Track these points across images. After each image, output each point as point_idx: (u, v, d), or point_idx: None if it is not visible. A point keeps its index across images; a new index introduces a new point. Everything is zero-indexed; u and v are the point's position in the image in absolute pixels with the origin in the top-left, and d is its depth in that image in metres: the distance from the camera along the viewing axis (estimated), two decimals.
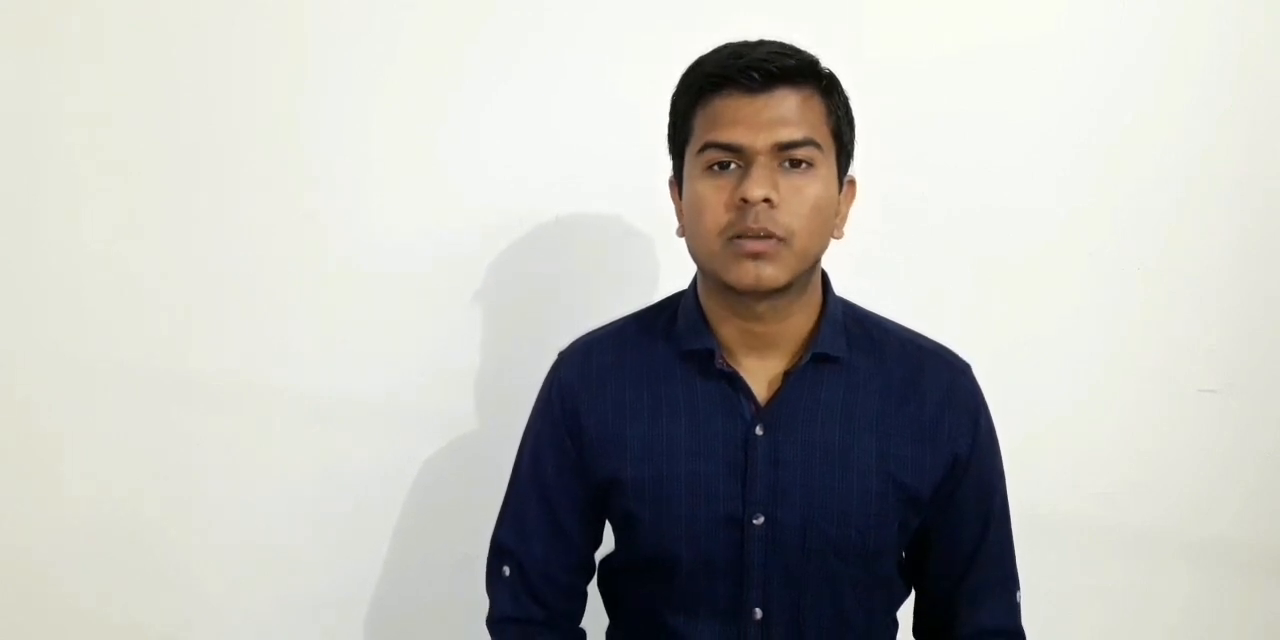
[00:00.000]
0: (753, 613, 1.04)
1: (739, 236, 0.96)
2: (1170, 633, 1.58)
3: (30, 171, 1.49)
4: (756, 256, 0.96)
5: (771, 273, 0.96)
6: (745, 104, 0.97)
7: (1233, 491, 1.56)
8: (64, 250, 1.50)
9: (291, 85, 1.48)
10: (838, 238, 1.04)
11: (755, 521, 1.03)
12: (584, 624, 1.19)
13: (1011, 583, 1.13)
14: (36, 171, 1.49)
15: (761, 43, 1.00)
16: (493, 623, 1.16)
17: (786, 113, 0.96)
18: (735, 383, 1.04)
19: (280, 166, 1.49)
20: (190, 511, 1.55)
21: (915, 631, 1.18)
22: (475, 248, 1.49)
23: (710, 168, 0.98)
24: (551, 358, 1.15)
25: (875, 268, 1.45)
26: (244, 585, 1.56)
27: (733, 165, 0.97)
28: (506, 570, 1.15)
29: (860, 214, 1.10)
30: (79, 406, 1.52)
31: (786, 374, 1.05)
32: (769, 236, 0.95)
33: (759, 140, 0.96)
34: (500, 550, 1.16)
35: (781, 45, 1.00)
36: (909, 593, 1.17)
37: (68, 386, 1.52)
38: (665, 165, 1.08)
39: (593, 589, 1.19)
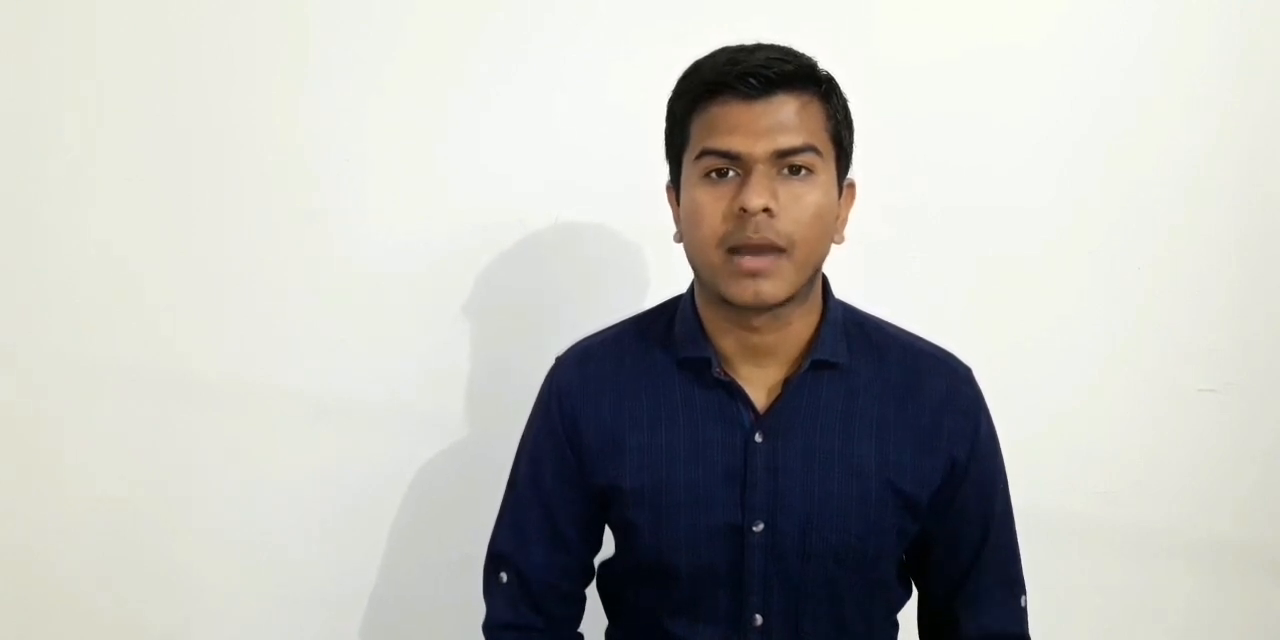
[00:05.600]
0: (753, 619, 1.04)
1: (738, 251, 0.95)
2: (1170, 633, 1.58)
3: (30, 171, 1.49)
4: (755, 274, 0.95)
5: (771, 289, 0.96)
6: (743, 111, 0.95)
7: (1233, 491, 1.56)
8: (64, 250, 1.50)
9: (291, 86, 1.48)
10: (838, 242, 1.03)
11: (755, 529, 1.02)
12: (583, 625, 1.19)
13: (1017, 587, 1.13)
14: (37, 171, 1.49)
15: (759, 47, 0.99)
16: (489, 629, 1.15)
17: (785, 119, 0.95)
18: (733, 391, 1.04)
19: (280, 167, 1.49)
20: (190, 511, 1.55)
21: (920, 634, 1.18)
22: (474, 250, 1.49)
23: (708, 175, 0.97)
24: (549, 360, 1.15)
25: (875, 268, 1.45)
26: (244, 585, 1.56)
27: (731, 173, 0.96)
28: (504, 576, 1.14)
29: (861, 215, 1.09)
30: (79, 406, 1.53)
31: (786, 381, 1.04)
32: (770, 251, 0.95)
33: (757, 147, 0.95)
34: (498, 557, 1.16)
35: (779, 50, 0.99)
36: (909, 596, 1.16)
37: (68, 386, 1.52)
38: (665, 168, 1.07)
39: (592, 591, 1.19)
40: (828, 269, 1.07)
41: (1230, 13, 1.48)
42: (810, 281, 1.01)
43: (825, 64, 1.01)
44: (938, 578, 1.13)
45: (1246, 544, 1.56)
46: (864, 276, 1.32)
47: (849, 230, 1.06)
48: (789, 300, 0.98)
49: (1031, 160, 1.50)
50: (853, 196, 1.07)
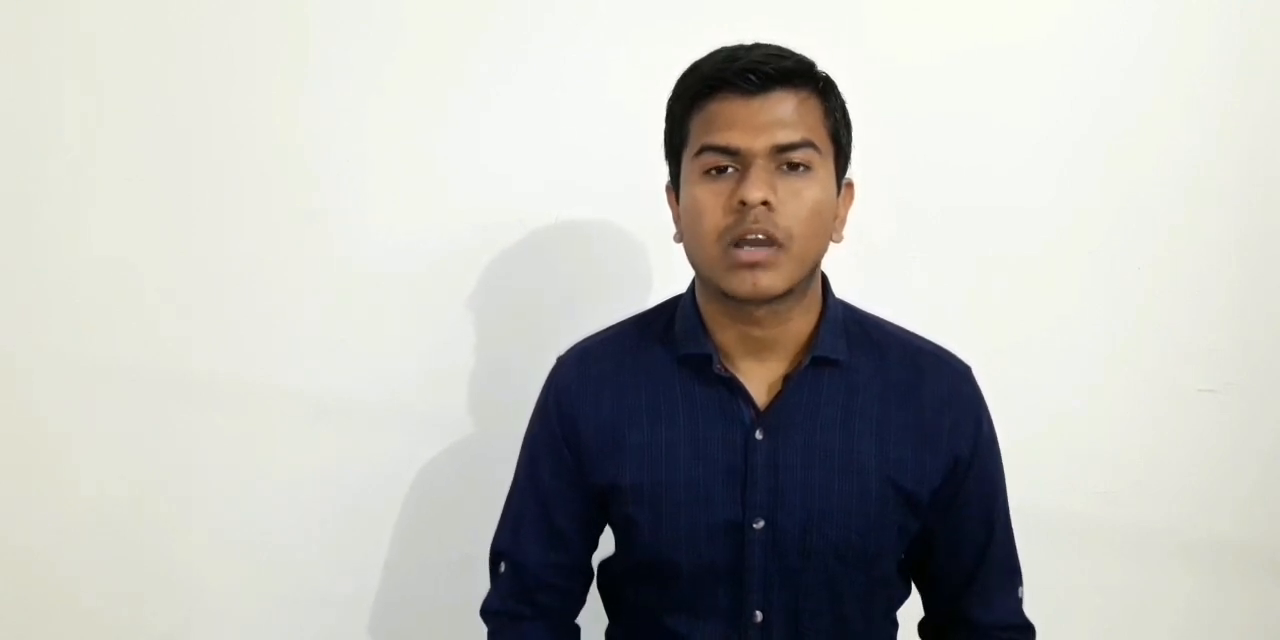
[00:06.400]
0: (753, 615, 1.04)
1: (737, 244, 0.95)
2: (1170, 633, 1.58)
3: (31, 172, 1.49)
4: (754, 265, 0.95)
5: (769, 281, 0.96)
6: (741, 106, 0.96)
7: (1233, 491, 1.56)
8: (64, 250, 1.50)
9: (292, 86, 1.48)
10: (836, 241, 1.04)
11: (755, 526, 1.03)
12: (584, 625, 1.19)
13: (1016, 578, 1.14)
14: (37, 172, 1.49)
15: (757, 45, 1.00)
16: (483, 613, 1.17)
17: (783, 115, 0.96)
18: (734, 387, 1.04)
19: (280, 167, 1.49)
20: (190, 511, 1.55)
21: (920, 630, 1.19)
22: (474, 250, 1.49)
23: (707, 172, 0.98)
24: (550, 360, 1.15)
25: (875, 268, 1.45)
26: (244, 585, 1.56)
27: (730, 169, 0.97)
28: (504, 568, 1.16)
29: (860, 215, 1.10)
30: (80, 407, 1.53)
31: (786, 378, 1.04)
32: (768, 243, 0.95)
33: (756, 143, 0.95)
34: (497, 553, 1.17)
35: (778, 48, 1.00)
36: (909, 594, 1.17)
37: (69, 386, 1.52)
38: (665, 168, 1.07)
39: (592, 590, 1.19)
40: (828, 269, 1.08)
41: (1230, 13, 1.48)
42: (809, 277, 1.01)
43: (825, 64, 1.01)
44: (941, 576, 1.13)
45: (1246, 544, 1.56)
46: (864, 276, 1.33)
47: (849, 230, 1.06)
48: (787, 294, 0.99)
49: (1031, 160, 1.50)
50: (851, 196, 1.07)
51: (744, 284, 0.96)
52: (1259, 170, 1.51)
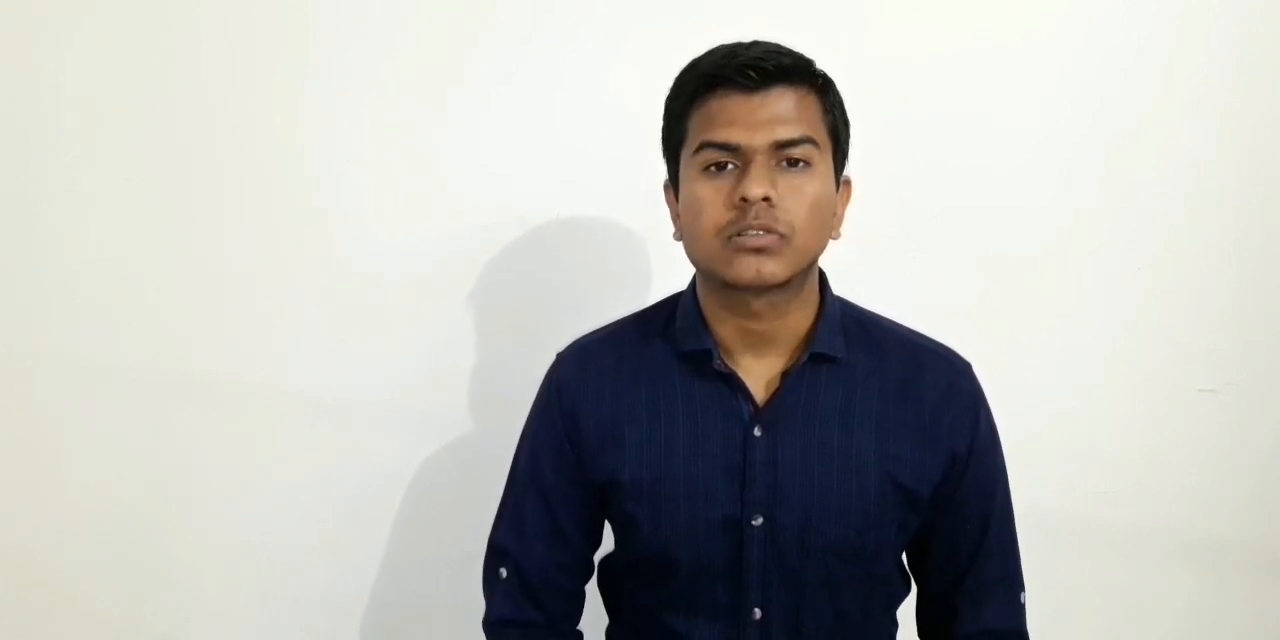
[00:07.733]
0: (752, 613, 1.04)
1: (739, 234, 0.96)
2: (1170, 633, 1.58)
3: (31, 171, 1.49)
4: (758, 251, 0.95)
5: (772, 268, 0.96)
6: (741, 103, 0.96)
7: (1233, 491, 1.56)
8: (64, 250, 1.50)
9: (291, 86, 1.48)
10: (835, 238, 1.04)
11: (754, 522, 1.03)
12: (583, 624, 1.19)
13: (1015, 583, 1.13)
14: (37, 171, 1.49)
15: (756, 43, 1.00)
16: (489, 625, 1.15)
17: (783, 111, 0.96)
18: (733, 383, 1.04)
19: (280, 167, 1.49)
20: (190, 511, 1.55)
21: (919, 630, 1.18)
22: (474, 249, 1.49)
23: (707, 168, 0.98)
24: (550, 358, 1.15)
25: (875, 268, 1.45)
26: (243, 585, 1.56)
27: (730, 165, 0.97)
28: (504, 572, 1.14)
29: (861, 214, 1.10)
30: (79, 406, 1.53)
31: (785, 374, 1.04)
32: (770, 232, 0.95)
33: (756, 139, 0.95)
34: (498, 551, 1.16)
35: (776, 45, 1.00)
36: (909, 591, 1.17)
37: (68, 386, 1.52)
38: (664, 167, 1.07)
39: (592, 589, 1.19)
40: (828, 268, 1.08)
41: (1230, 13, 1.48)
42: (807, 271, 1.02)
43: (825, 63, 1.02)
44: (937, 573, 1.13)
45: (1246, 544, 1.56)
46: (864, 276, 1.32)
47: (849, 229, 1.06)
48: (787, 285, 0.99)
49: (1031, 160, 1.50)
50: (849, 194, 1.07)
51: (748, 270, 0.96)
52: (1259, 170, 1.51)
